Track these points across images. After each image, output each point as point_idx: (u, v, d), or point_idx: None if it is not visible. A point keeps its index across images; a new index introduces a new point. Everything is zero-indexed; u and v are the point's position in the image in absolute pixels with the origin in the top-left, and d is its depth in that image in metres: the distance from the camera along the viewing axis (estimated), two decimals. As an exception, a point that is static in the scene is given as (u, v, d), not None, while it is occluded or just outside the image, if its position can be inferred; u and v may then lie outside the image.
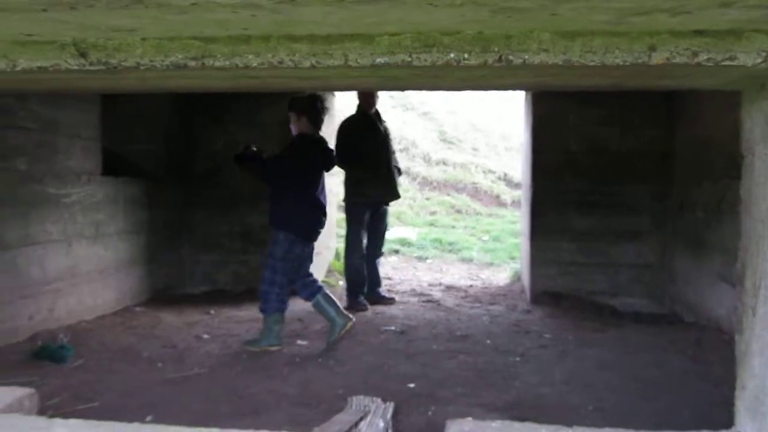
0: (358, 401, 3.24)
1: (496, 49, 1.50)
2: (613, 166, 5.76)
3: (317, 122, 4.47)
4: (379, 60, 1.51)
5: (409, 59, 1.51)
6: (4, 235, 4.11)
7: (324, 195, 4.55)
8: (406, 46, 1.51)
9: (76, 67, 1.59)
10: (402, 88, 2.60)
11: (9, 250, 4.15)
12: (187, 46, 1.55)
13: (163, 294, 5.94)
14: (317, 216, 4.45)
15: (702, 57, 1.45)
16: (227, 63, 1.54)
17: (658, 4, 1.24)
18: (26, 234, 4.31)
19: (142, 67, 1.57)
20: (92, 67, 1.58)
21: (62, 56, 1.59)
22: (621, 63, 1.49)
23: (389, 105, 13.04)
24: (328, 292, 4.45)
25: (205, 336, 4.66)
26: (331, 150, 4.65)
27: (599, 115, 5.73)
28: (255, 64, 1.54)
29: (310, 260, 4.52)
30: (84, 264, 4.91)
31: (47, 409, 3.18)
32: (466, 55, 1.50)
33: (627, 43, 1.48)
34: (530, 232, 5.94)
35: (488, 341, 4.62)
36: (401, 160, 10.67)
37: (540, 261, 5.86)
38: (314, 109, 4.40)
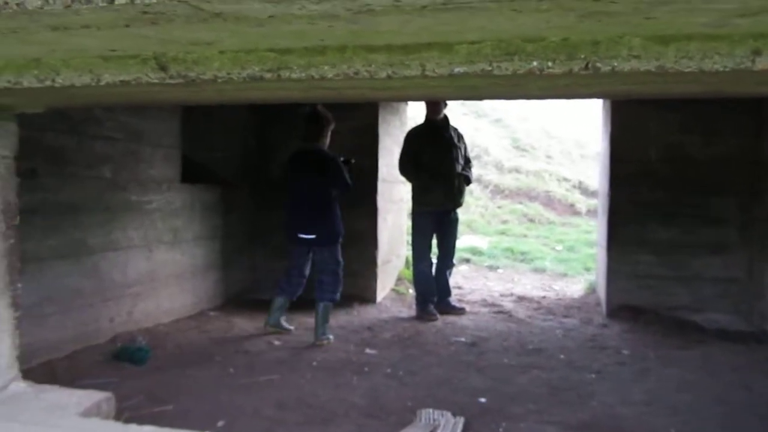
0: (427, 414, 3.19)
1: (582, 56, 1.41)
2: (696, 175, 5.48)
3: (305, 134, 4.84)
4: (458, 69, 1.46)
5: (489, 68, 1.45)
6: (89, 241, 4.28)
7: (312, 201, 4.77)
8: (486, 55, 1.45)
9: (156, 81, 1.62)
10: (480, 98, 2.54)
11: (93, 255, 4.32)
12: (263, 58, 1.54)
13: (236, 299, 6.06)
14: (296, 222, 4.81)
15: (813, 61, 1.33)
16: (303, 75, 1.53)
17: (767, 4, 1.14)
18: (109, 240, 4.47)
19: (219, 80, 1.58)
20: (172, 81, 1.60)
21: (144, 70, 1.62)
22: (720, 69, 1.38)
23: (461, 112, 12.93)
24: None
25: (276, 342, 4.71)
26: (321, 159, 4.78)
27: (681, 122, 5.47)
28: (330, 75, 1.52)
29: (305, 262, 4.92)
30: (162, 269, 5.06)
31: (125, 410, 3.27)
32: (550, 63, 1.43)
33: (728, 47, 1.37)
34: (607, 243, 5.73)
35: (562, 356, 4.48)
36: (473, 167, 10.52)
37: (617, 273, 5.63)
38: (303, 122, 4.82)
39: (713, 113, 5.34)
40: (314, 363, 4.21)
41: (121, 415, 3.17)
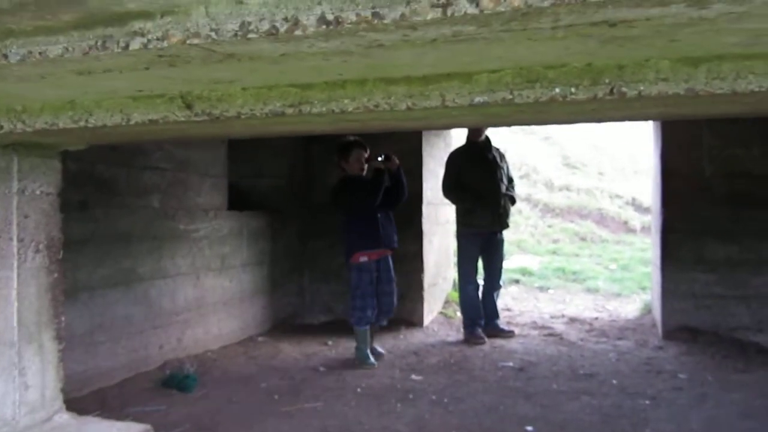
0: (472, 445, 3.11)
1: (607, 81, 1.36)
2: (756, 189, 5.24)
3: None
4: (478, 99, 1.42)
5: (510, 96, 1.41)
6: (138, 269, 4.39)
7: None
8: (506, 83, 1.41)
9: (183, 119, 1.64)
10: (506, 124, 2.49)
11: (142, 283, 4.42)
12: (285, 93, 1.55)
13: (284, 323, 6.10)
14: None
15: None
16: (323, 109, 1.53)
17: (799, 21, 1.07)
18: (158, 267, 4.57)
19: (243, 116, 1.59)
20: (197, 118, 1.63)
21: (170, 109, 1.65)
22: (756, 89, 1.31)
23: (508, 130, 12.79)
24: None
25: (321, 368, 4.70)
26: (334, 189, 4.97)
27: (737, 135, 5.26)
28: (351, 109, 1.51)
29: None
30: (210, 295, 5.13)
31: (171, 438, 3.32)
32: (573, 89, 1.38)
33: (763, 65, 1.30)
34: (661, 262, 5.53)
35: (615, 381, 4.32)
36: (521, 186, 10.35)
37: (672, 293, 5.42)
38: None
39: (770, 124, 5.11)
40: (359, 389, 4.18)
41: (167, 443, 3.21)
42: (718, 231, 5.33)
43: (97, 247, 4.05)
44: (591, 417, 3.63)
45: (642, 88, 1.35)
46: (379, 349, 4.96)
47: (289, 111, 1.54)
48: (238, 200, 5.67)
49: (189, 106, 1.62)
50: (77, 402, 3.74)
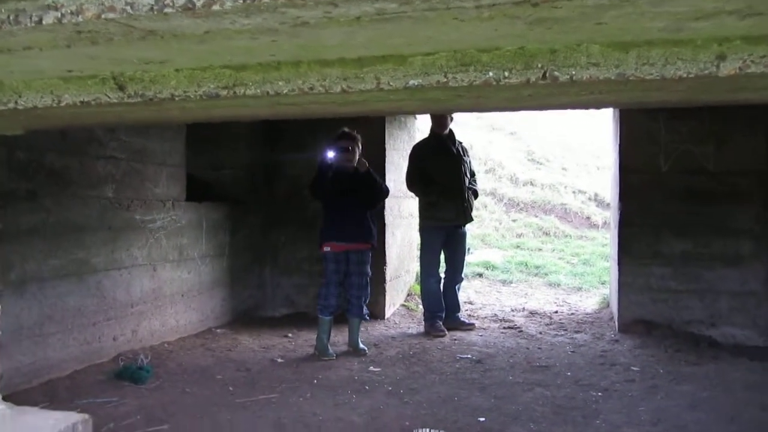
0: (423, 435, 3.12)
1: (539, 66, 1.36)
2: (709, 185, 5.34)
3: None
4: (413, 82, 1.41)
5: (445, 80, 1.40)
6: (91, 260, 4.30)
7: None
8: (440, 66, 1.40)
9: (116, 101, 1.60)
10: (447, 111, 2.49)
11: (95, 274, 4.34)
12: (219, 75, 1.52)
13: (244, 316, 6.04)
14: None
15: (784, 65, 1.26)
16: (258, 91, 1.50)
17: (721, 6, 1.08)
18: (113, 258, 4.49)
19: (177, 98, 1.56)
20: (131, 100, 1.59)
21: (103, 90, 1.61)
22: (684, 75, 1.32)
23: (475, 125, 12.86)
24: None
25: (279, 360, 4.67)
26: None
27: (692, 130, 5.34)
28: (286, 91, 1.49)
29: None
30: (168, 287, 5.06)
31: (120, 430, 3.26)
32: (506, 73, 1.38)
33: (691, 52, 1.31)
34: (618, 256, 5.61)
35: (569, 373, 4.36)
36: (487, 181, 10.42)
37: (629, 287, 5.50)
38: None
39: (727, 120, 5.21)
40: (315, 381, 4.16)
41: (114, 436, 3.15)
42: (674, 226, 5.42)
43: (47, 237, 3.96)
44: (543, 408, 3.66)
45: (574, 72, 1.35)
46: (362, 346, 4.92)
47: (224, 93, 1.51)
48: (198, 191, 5.59)
49: (121, 88, 1.57)
50: (26, 394, 3.66)
